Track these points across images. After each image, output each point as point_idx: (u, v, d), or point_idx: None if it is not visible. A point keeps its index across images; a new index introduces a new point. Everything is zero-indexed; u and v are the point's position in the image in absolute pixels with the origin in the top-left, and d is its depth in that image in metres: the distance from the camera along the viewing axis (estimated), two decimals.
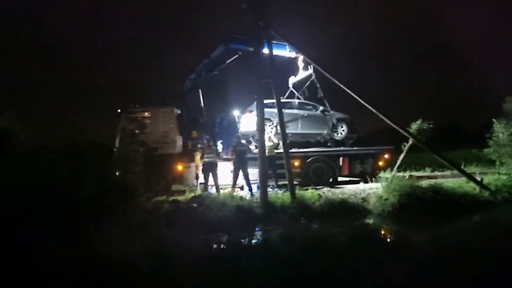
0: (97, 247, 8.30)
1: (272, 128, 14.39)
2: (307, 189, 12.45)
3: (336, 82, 12.46)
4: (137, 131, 13.16)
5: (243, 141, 13.35)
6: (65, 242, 8.42)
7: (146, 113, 14.12)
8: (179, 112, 14.71)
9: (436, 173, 16.15)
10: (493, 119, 14.09)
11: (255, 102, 12.49)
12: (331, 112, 15.33)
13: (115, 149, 13.32)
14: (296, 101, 15.50)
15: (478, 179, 12.69)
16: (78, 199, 9.68)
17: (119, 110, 13.87)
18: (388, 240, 10.24)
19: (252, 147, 13.66)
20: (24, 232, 8.72)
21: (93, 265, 7.38)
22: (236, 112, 15.26)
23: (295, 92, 15.55)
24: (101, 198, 9.95)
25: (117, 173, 12.06)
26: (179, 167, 13.84)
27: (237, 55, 14.70)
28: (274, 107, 12.85)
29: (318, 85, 14.85)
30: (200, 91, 15.14)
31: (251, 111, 14.43)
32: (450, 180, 13.33)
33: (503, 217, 11.23)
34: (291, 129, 14.05)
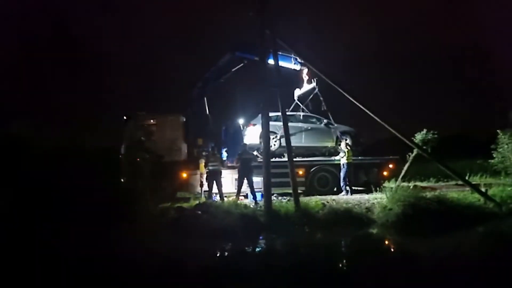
0: (101, 250, 8.43)
1: (276, 141, 14.47)
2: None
3: (342, 91, 12.48)
4: (143, 138, 13.32)
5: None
6: (69, 243, 8.57)
7: (153, 121, 14.28)
8: (185, 119, 14.84)
9: (441, 183, 16.11)
10: (498, 130, 14.07)
11: (258, 115, 12.56)
12: (335, 125, 15.36)
13: (121, 156, 13.46)
14: (301, 114, 15.57)
15: (483, 190, 12.65)
16: (85, 203, 9.82)
17: (125, 117, 14.03)
18: (390, 250, 10.26)
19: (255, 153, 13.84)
20: (28, 232, 8.92)
21: (97, 266, 7.52)
22: (241, 121, 15.36)
23: (300, 105, 15.62)
24: (107, 204, 10.09)
25: (122, 180, 12.20)
26: (184, 175, 13.96)
27: (242, 64, 14.80)
28: (278, 121, 12.94)
29: (321, 98, 14.91)
30: (205, 99, 15.26)
31: (254, 125, 14.56)
32: (455, 191, 13.29)
33: (508, 229, 11.16)
34: (295, 142, 13.94)
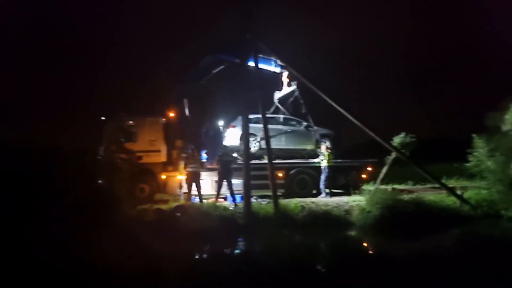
0: (73, 253, 8.26)
1: (256, 143, 14.46)
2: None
3: (321, 94, 12.56)
4: (122, 140, 13.15)
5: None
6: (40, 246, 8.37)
7: (132, 122, 14.13)
8: (165, 121, 14.72)
9: (418, 186, 16.35)
10: (473, 134, 14.29)
11: (239, 117, 12.56)
12: (315, 128, 15.45)
13: (99, 157, 13.26)
14: (281, 116, 15.61)
15: (459, 193, 12.87)
16: (60, 207, 9.59)
17: (103, 118, 13.85)
18: (367, 252, 10.35)
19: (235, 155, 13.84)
20: None
21: (69, 269, 7.39)
22: (221, 123, 15.31)
23: (280, 107, 15.65)
24: (84, 206, 9.89)
25: (99, 181, 12.02)
26: (163, 176, 13.84)
27: (223, 66, 14.75)
28: (258, 123, 12.95)
29: (301, 101, 14.97)
30: (186, 100, 15.16)
31: (234, 126, 14.52)
32: (432, 194, 13.49)
33: (482, 231, 11.37)
34: (275, 145, 13.93)
